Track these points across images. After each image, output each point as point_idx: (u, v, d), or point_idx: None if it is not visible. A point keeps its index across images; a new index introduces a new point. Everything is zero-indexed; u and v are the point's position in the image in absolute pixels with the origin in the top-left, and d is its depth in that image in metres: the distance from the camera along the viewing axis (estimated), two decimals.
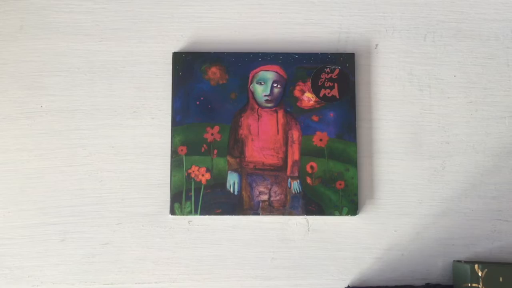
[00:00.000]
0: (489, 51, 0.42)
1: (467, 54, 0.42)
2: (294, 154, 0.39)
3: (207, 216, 0.40)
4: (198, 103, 0.39)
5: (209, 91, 0.40)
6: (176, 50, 0.41)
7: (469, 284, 0.37)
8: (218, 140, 0.39)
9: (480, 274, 0.36)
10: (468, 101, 0.42)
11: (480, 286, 0.36)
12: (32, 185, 0.41)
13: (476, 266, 0.37)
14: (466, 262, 0.38)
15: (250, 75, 0.40)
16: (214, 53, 0.40)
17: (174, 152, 0.39)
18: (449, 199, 0.41)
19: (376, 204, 0.41)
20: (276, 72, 0.40)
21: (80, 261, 0.39)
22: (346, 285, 0.39)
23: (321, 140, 0.39)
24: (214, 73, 0.40)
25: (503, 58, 0.42)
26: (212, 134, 0.39)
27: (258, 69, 0.40)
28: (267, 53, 0.40)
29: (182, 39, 0.42)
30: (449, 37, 0.42)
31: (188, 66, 0.40)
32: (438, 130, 0.41)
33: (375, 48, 0.42)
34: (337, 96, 0.40)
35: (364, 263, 0.40)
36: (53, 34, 0.42)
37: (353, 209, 0.39)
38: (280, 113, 0.40)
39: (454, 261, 0.40)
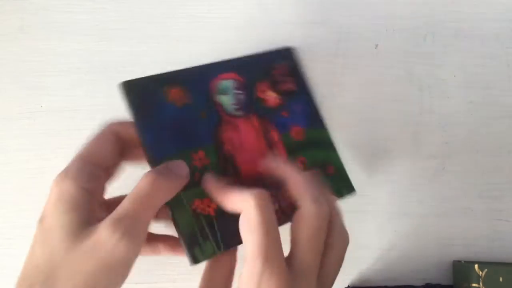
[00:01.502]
0: (489, 51, 0.42)
1: (467, 54, 0.42)
2: (282, 155, 0.38)
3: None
4: (171, 130, 0.34)
5: (178, 114, 0.35)
6: (176, 49, 0.41)
7: (469, 284, 0.37)
8: (208, 163, 0.35)
9: (480, 274, 0.36)
10: (468, 101, 0.42)
11: (480, 286, 0.36)
12: (32, 185, 0.41)
13: (476, 266, 0.37)
14: (466, 262, 0.38)
15: (211, 88, 0.37)
16: (168, 72, 0.36)
17: None
18: (449, 199, 0.41)
19: (376, 204, 0.41)
20: (233, 79, 0.38)
21: None
22: (346, 285, 0.39)
23: (297, 133, 0.39)
24: (176, 93, 0.35)
25: (503, 58, 0.42)
26: (200, 159, 0.34)
27: (216, 79, 0.37)
28: (220, 62, 0.38)
29: (182, 39, 0.42)
30: (449, 37, 0.42)
31: (147, 92, 0.34)
32: (438, 130, 0.41)
33: (375, 48, 0.42)
34: (295, 88, 0.39)
35: (364, 263, 0.40)
36: (53, 34, 0.42)
37: (349, 187, 0.38)
38: (254, 119, 0.38)
39: (454, 261, 0.40)
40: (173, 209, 0.32)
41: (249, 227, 0.28)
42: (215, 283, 0.31)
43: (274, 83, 0.39)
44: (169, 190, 0.30)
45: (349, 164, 0.38)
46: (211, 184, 0.32)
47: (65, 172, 0.29)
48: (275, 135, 0.38)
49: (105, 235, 0.26)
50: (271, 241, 0.27)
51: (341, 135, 0.40)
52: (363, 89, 0.41)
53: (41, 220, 0.28)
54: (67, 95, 0.41)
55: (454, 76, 0.42)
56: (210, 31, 0.42)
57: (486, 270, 0.36)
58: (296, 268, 0.28)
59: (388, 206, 0.41)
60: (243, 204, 0.28)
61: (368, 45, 0.42)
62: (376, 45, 0.42)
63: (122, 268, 0.27)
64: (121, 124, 0.33)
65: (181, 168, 0.32)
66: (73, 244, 0.27)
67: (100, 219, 0.27)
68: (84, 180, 0.29)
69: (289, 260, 0.28)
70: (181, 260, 0.40)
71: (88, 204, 0.28)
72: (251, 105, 0.38)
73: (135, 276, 0.40)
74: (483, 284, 0.36)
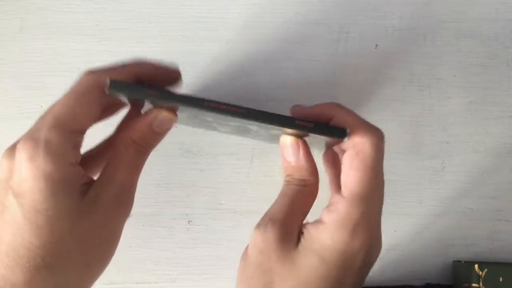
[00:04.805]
0: (489, 51, 0.42)
1: (467, 54, 0.42)
2: None
3: (207, 215, 0.40)
4: None
5: None
6: (176, 49, 0.41)
7: (469, 284, 0.37)
8: None
9: (480, 274, 0.36)
10: (468, 101, 0.42)
11: (480, 286, 0.36)
12: None
13: (476, 266, 0.37)
14: (466, 262, 0.38)
15: None
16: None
17: None
18: (449, 199, 0.41)
19: None
20: None
21: None
22: None
23: None
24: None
25: (503, 58, 0.42)
26: None
27: None
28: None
29: (182, 39, 0.42)
30: (449, 37, 0.42)
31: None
32: (438, 130, 0.41)
33: (375, 48, 0.42)
34: None
35: None
36: (53, 34, 0.42)
37: None
38: None
39: (454, 261, 0.40)
40: None
41: (364, 166, 0.27)
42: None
43: None
44: None
45: None
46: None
47: (44, 146, 0.25)
48: None
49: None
50: (379, 185, 0.28)
51: None
52: (363, 89, 0.41)
53: (18, 196, 0.25)
54: None
55: (454, 76, 0.42)
56: (210, 31, 0.42)
57: (486, 270, 0.36)
58: (369, 196, 0.28)
59: (388, 206, 0.41)
60: (363, 138, 0.27)
61: (368, 45, 0.42)
62: (376, 45, 0.42)
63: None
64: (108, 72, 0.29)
65: None
66: (79, 227, 0.27)
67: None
68: (71, 156, 0.27)
69: (359, 187, 0.27)
70: (181, 260, 0.40)
71: (77, 177, 0.28)
72: None
73: (135, 276, 0.40)
74: (483, 284, 0.36)
